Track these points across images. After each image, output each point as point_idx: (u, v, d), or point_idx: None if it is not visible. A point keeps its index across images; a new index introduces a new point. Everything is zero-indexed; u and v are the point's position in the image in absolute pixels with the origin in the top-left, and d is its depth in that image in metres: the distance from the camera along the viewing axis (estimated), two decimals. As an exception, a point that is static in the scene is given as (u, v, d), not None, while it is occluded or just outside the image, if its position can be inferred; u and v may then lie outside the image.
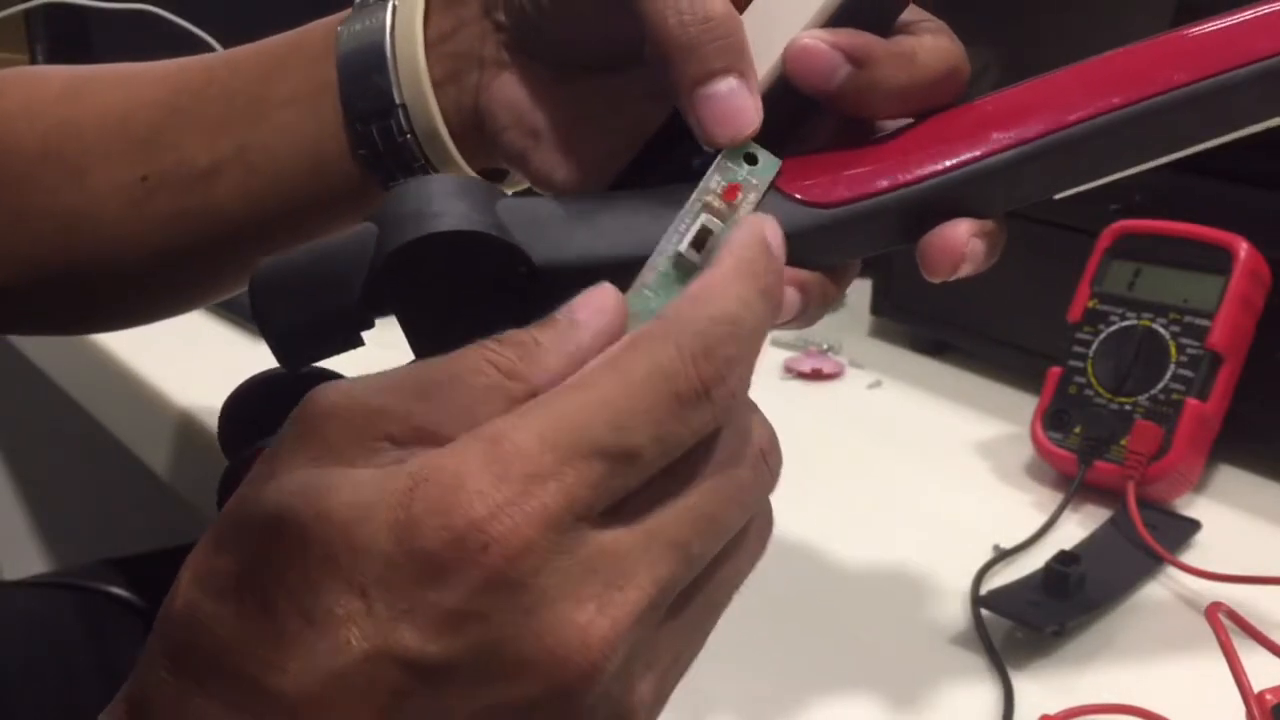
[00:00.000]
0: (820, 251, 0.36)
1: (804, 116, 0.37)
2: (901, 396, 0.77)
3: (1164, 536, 0.57)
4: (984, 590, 0.54)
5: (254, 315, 0.34)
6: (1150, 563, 0.57)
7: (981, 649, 0.51)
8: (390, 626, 0.26)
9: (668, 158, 0.39)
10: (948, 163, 0.35)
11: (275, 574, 0.27)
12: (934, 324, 0.81)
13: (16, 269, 0.49)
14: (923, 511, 0.63)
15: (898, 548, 0.59)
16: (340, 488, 0.27)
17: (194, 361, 0.76)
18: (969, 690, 0.49)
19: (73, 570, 0.81)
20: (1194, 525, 0.60)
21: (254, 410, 0.35)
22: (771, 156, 0.35)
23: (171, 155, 0.46)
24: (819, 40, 0.35)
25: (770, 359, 0.81)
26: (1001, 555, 0.57)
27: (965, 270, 0.36)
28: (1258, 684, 0.44)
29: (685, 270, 0.32)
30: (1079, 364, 0.65)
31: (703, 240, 0.33)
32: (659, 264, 0.33)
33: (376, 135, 0.43)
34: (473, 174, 0.44)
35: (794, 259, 0.35)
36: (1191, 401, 0.61)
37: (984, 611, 0.53)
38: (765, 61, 0.36)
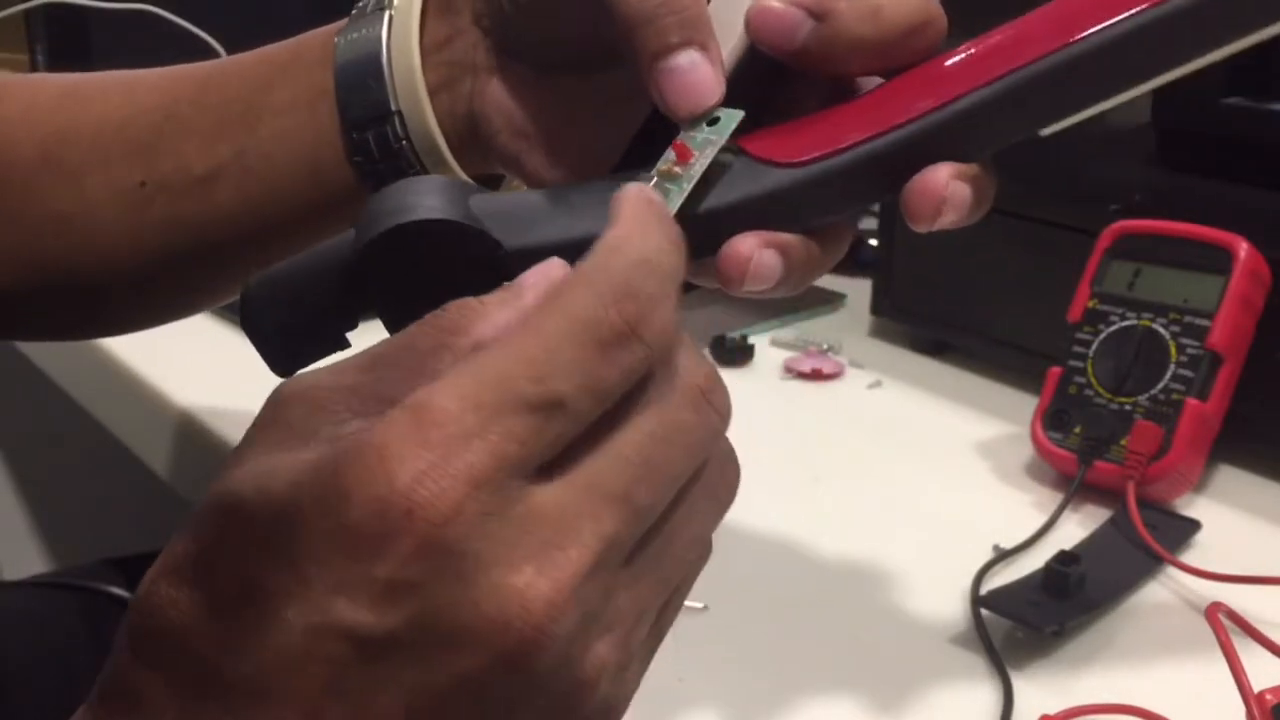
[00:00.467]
0: (798, 212, 0.35)
1: (783, 85, 0.37)
2: (901, 396, 0.77)
3: (1164, 536, 0.57)
4: (984, 590, 0.54)
5: (243, 326, 0.35)
6: (1150, 563, 0.57)
7: (981, 649, 0.51)
8: (326, 601, 0.26)
9: (656, 150, 0.40)
10: (917, 111, 0.35)
11: (222, 555, 0.27)
12: (934, 324, 0.81)
13: (15, 274, 0.49)
14: (923, 511, 0.63)
15: (898, 548, 0.59)
16: (282, 469, 0.27)
17: (194, 361, 0.76)
18: (969, 690, 0.49)
19: (73, 570, 0.81)
20: (1194, 525, 0.60)
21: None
22: (733, 111, 0.35)
23: (169, 161, 0.46)
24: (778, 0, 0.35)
25: (770, 359, 0.81)
26: (1001, 555, 0.57)
27: (950, 217, 0.35)
28: (1258, 684, 0.44)
29: None
30: (1079, 364, 0.65)
31: None
32: None
33: (373, 142, 0.43)
34: (467, 179, 0.44)
35: (773, 222, 0.35)
36: (1191, 401, 0.61)
37: (984, 611, 0.53)
38: (733, 33, 0.36)
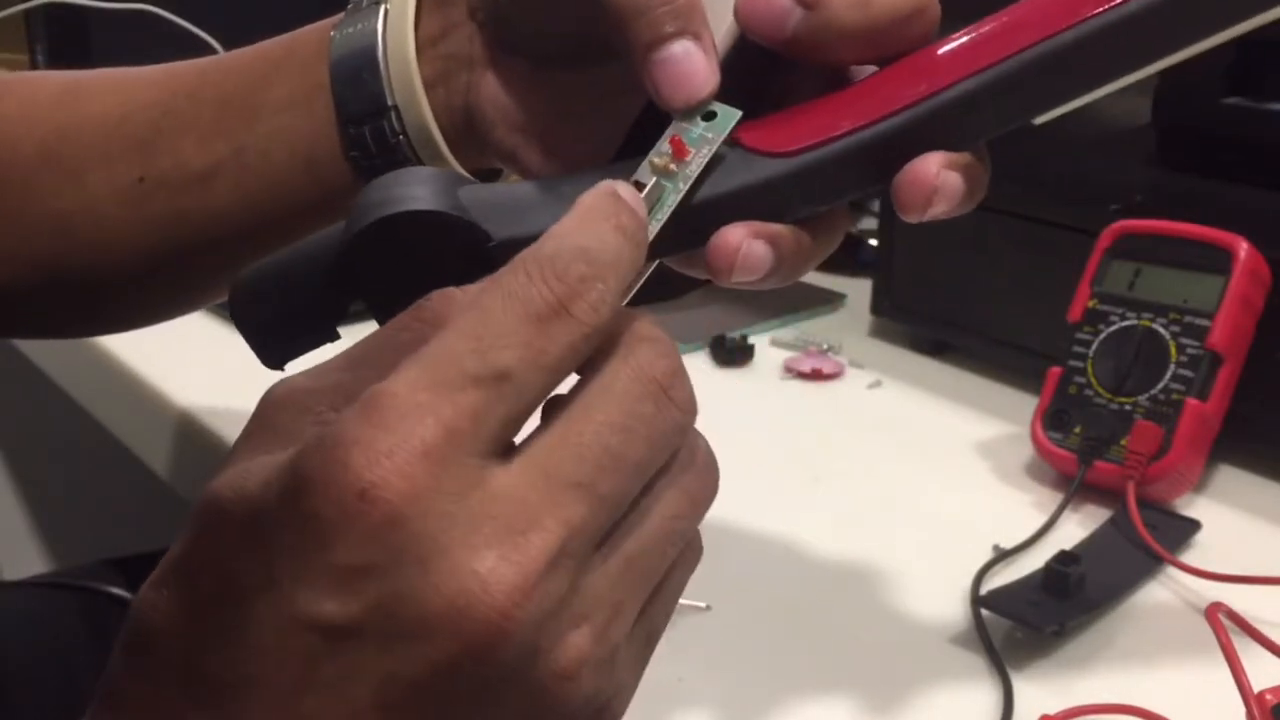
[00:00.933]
0: (788, 202, 0.35)
1: (775, 76, 0.37)
2: (901, 396, 0.77)
3: (1164, 536, 0.57)
4: (984, 590, 0.54)
5: (233, 319, 0.35)
6: (1150, 563, 0.57)
7: (981, 649, 0.51)
8: (292, 593, 0.26)
9: (650, 143, 0.40)
10: (908, 99, 0.35)
11: (201, 557, 0.28)
12: (934, 324, 0.81)
13: (14, 272, 0.50)
14: (923, 511, 0.63)
15: (898, 548, 0.59)
16: (257, 469, 0.27)
17: (194, 361, 0.76)
18: (969, 690, 0.49)
19: (73, 570, 0.81)
20: (1194, 525, 0.60)
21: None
22: (730, 109, 0.35)
23: (168, 158, 0.46)
24: None
25: (770, 359, 0.81)
26: (1001, 555, 0.57)
27: (941, 207, 0.35)
28: (1258, 684, 0.44)
29: None
30: (1079, 364, 0.65)
31: (653, 201, 0.33)
32: None
33: (369, 137, 0.43)
34: (464, 173, 0.44)
35: (761, 213, 0.35)
36: (1191, 401, 0.61)
37: (984, 611, 0.53)
38: (724, 22, 0.36)
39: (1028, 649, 0.51)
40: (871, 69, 0.37)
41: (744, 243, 0.34)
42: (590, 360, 0.29)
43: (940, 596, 0.55)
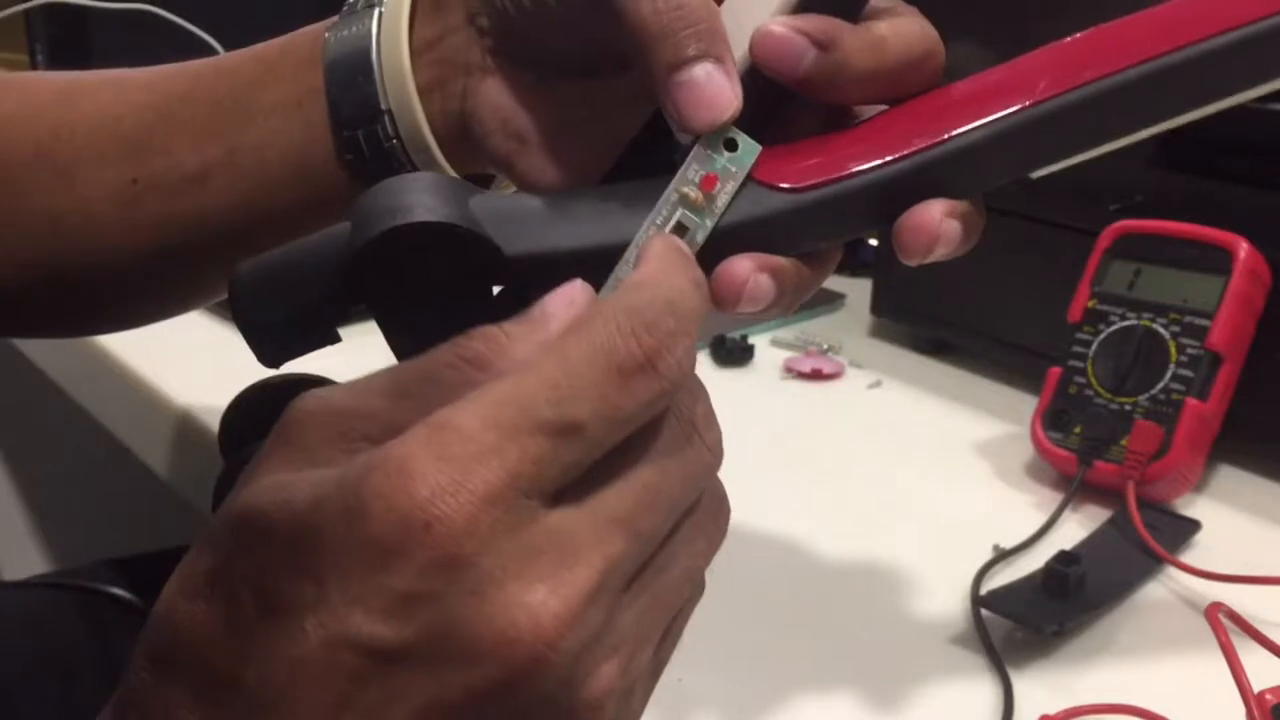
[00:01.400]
0: (792, 237, 0.36)
1: (782, 106, 0.37)
2: (901, 396, 0.77)
3: (1164, 536, 0.57)
4: (984, 590, 0.54)
5: (233, 314, 0.35)
6: (1150, 563, 0.57)
7: (981, 649, 0.51)
8: (344, 612, 0.26)
9: (650, 159, 0.40)
10: (917, 144, 0.35)
11: (240, 568, 0.27)
12: (934, 324, 0.81)
13: (10, 271, 0.50)
14: (923, 511, 0.63)
15: (898, 547, 0.59)
16: (303, 484, 0.27)
17: (194, 361, 0.76)
18: (969, 690, 0.49)
19: (73, 570, 0.81)
20: (1194, 525, 0.60)
21: (255, 414, 0.36)
22: (751, 142, 0.35)
23: (161, 159, 0.46)
24: (784, 26, 0.35)
25: (770, 359, 0.81)
26: (1001, 555, 0.57)
27: (940, 252, 0.36)
28: (1258, 684, 0.44)
29: None
30: (1079, 364, 0.65)
31: (680, 234, 0.33)
32: (633, 256, 0.33)
33: (363, 141, 0.43)
34: (462, 180, 0.44)
35: (767, 245, 0.35)
36: (1191, 401, 0.61)
37: (984, 611, 0.53)
38: (737, 51, 0.36)
39: (1028, 649, 0.51)
40: (876, 108, 0.37)
41: (751, 276, 0.35)
42: None
43: (940, 596, 0.55)
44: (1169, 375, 0.62)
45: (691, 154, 0.34)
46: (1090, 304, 0.66)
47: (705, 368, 0.78)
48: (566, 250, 0.34)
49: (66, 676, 0.72)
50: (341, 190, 0.44)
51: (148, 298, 0.52)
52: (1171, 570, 0.56)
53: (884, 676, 0.50)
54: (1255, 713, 0.43)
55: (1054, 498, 0.62)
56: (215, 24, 1.01)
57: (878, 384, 0.78)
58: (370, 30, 0.42)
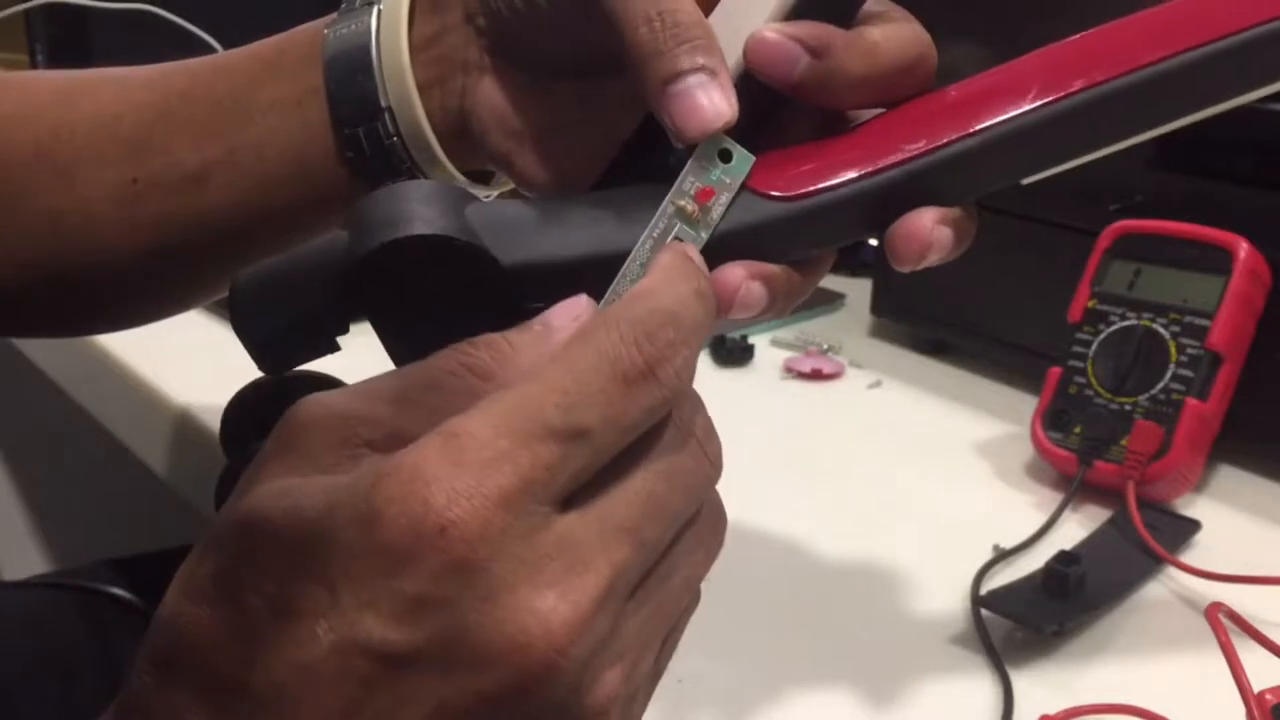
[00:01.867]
0: (785, 245, 0.36)
1: (775, 112, 0.37)
2: (901, 396, 0.77)
3: (1164, 536, 0.57)
4: (984, 590, 0.54)
5: (232, 324, 0.35)
6: (1150, 563, 0.57)
7: (981, 649, 0.51)
8: (355, 617, 0.26)
9: (645, 160, 0.40)
10: (910, 151, 0.35)
11: (248, 572, 0.28)
12: (934, 324, 0.81)
13: (9, 270, 0.50)
14: (923, 511, 0.63)
15: (898, 547, 0.59)
16: (311, 488, 0.28)
17: (194, 361, 0.76)
18: (968, 690, 0.49)
19: (73, 570, 0.81)
20: (1194, 525, 0.60)
21: (256, 411, 0.36)
22: (745, 153, 0.35)
23: (161, 158, 0.46)
24: (778, 32, 0.35)
25: (770, 359, 0.81)
26: (1001, 555, 0.57)
27: (932, 259, 0.36)
28: (1258, 684, 0.44)
29: None
30: (1079, 364, 0.65)
31: None
32: (632, 271, 0.33)
33: (363, 138, 0.43)
34: (459, 176, 0.44)
35: (759, 252, 0.35)
36: (1191, 401, 0.61)
37: (984, 611, 0.53)
38: (731, 57, 0.36)
39: (1028, 649, 0.51)
40: (870, 112, 0.37)
41: (743, 284, 0.35)
42: None
43: (940, 596, 0.55)
44: (1169, 375, 0.62)
45: (686, 167, 0.34)
46: (1090, 304, 0.66)
47: (705, 368, 0.78)
48: (563, 259, 0.34)
49: (66, 676, 0.72)
50: (341, 188, 0.44)
51: (147, 297, 0.52)
52: (1171, 570, 0.56)
53: (884, 676, 0.50)
54: (1255, 713, 0.43)
55: (1054, 498, 0.62)
56: (215, 24, 1.01)
57: (878, 384, 0.78)
58: (369, 27, 0.42)
